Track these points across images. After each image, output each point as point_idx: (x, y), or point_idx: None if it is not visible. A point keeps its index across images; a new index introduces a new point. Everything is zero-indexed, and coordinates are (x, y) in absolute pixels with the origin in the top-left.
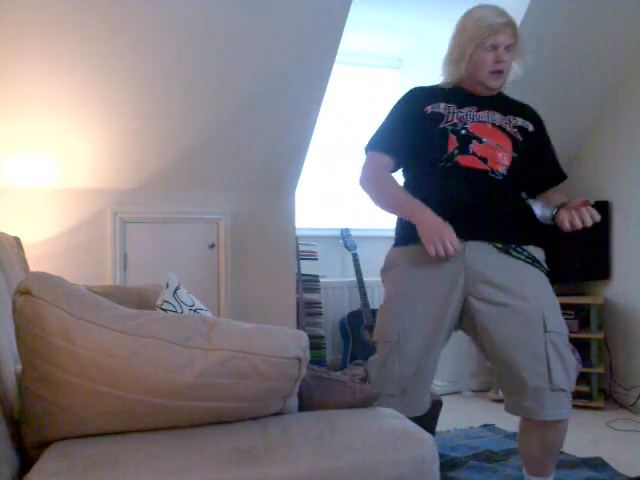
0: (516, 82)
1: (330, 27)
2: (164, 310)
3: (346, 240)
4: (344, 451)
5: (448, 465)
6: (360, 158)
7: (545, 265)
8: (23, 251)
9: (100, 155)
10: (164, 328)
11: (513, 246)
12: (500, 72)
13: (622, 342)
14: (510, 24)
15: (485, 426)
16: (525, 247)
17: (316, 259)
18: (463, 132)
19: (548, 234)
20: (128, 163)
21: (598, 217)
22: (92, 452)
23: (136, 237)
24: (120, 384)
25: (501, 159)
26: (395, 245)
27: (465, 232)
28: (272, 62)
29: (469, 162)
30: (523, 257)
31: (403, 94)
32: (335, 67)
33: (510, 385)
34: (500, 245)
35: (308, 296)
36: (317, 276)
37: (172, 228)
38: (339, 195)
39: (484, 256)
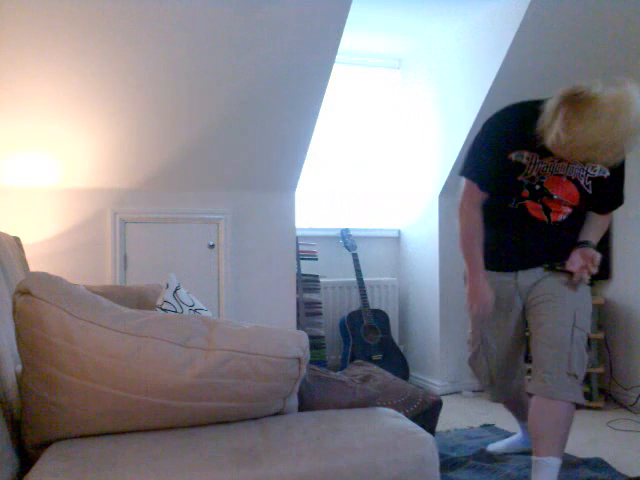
0: (514, 84)
1: (330, 27)
2: (164, 310)
3: (346, 240)
4: (344, 451)
5: (448, 465)
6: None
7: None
8: (23, 251)
9: (100, 155)
10: (164, 328)
11: (559, 263)
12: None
13: (622, 342)
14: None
15: (485, 426)
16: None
17: (316, 259)
18: (537, 187)
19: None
20: (128, 163)
21: (585, 275)
22: (92, 452)
23: (136, 237)
24: (120, 384)
25: (565, 211)
26: None
27: (517, 265)
28: (272, 62)
29: (534, 210)
30: (565, 271)
31: (497, 116)
32: (335, 67)
33: (536, 367)
34: (547, 265)
35: (308, 296)
36: (317, 276)
37: (172, 228)
38: (339, 195)
39: (532, 275)
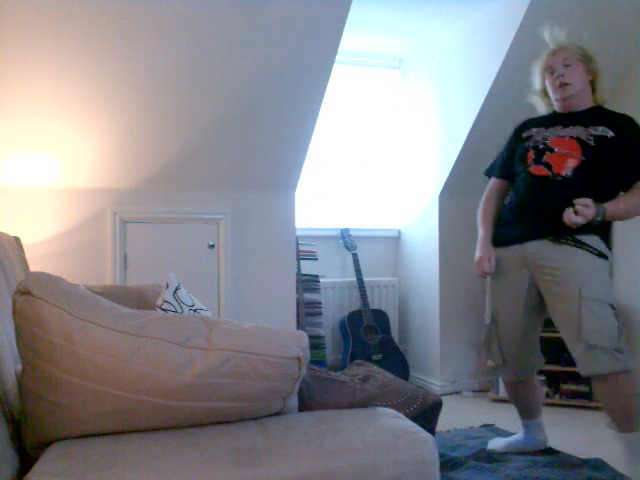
0: (514, 84)
1: (330, 27)
2: (164, 310)
3: (346, 240)
4: (344, 451)
5: (448, 465)
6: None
7: (596, 247)
8: (23, 251)
9: (100, 155)
10: (164, 328)
11: (564, 235)
12: (564, 84)
13: None
14: (563, 48)
15: (485, 426)
16: (576, 235)
17: (316, 259)
18: (541, 147)
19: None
20: (128, 163)
21: (576, 218)
22: (92, 452)
23: (136, 237)
24: (120, 384)
25: (568, 164)
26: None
27: (525, 234)
28: (272, 62)
29: (537, 171)
30: (571, 242)
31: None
32: (335, 67)
33: (568, 349)
34: (552, 237)
35: (308, 296)
36: (317, 276)
37: (172, 228)
38: (339, 195)
39: (539, 249)
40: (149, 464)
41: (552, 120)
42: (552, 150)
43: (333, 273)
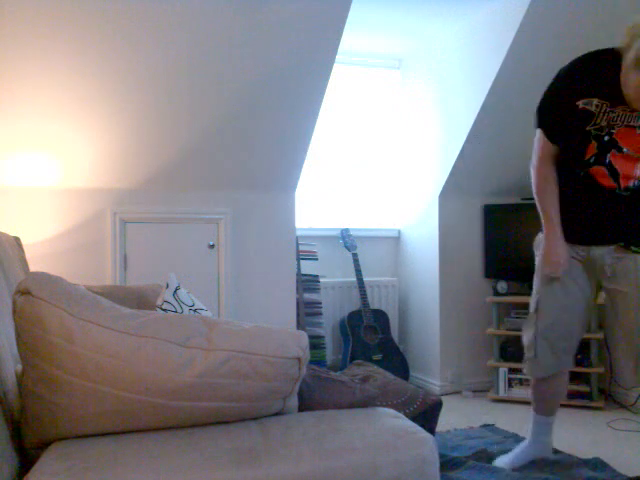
0: (514, 84)
1: (330, 27)
2: (164, 310)
3: (346, 240)
4: (344, 451)
5: (448, 465)
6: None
7: None
8: (23, 251)
9: (100, 155)
10: (164, 328)
11: (635, 242)
12: None
13: None
14: None
15: (485, 426)
16: None
17: (316, 259)
18: (606, 139)
19: None
20: (128, 163)
21: None
22: (92, 452)
23: (136, 237)
24: (120, 384)
25: (636, 172)
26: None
27: (591, 240)
28: (272, 62)
29: (599, 175)
30: None
31: (569, 67)
32: (335, 67)
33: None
34: (622, 243)
35: (308, 296)
36: (317, 276)
37: (172, 228)
38: (339, 195)
39: (606, 254)
40: (149, 464)
41: (617, 90)
42: (620, 149)
43: (333, 273)
